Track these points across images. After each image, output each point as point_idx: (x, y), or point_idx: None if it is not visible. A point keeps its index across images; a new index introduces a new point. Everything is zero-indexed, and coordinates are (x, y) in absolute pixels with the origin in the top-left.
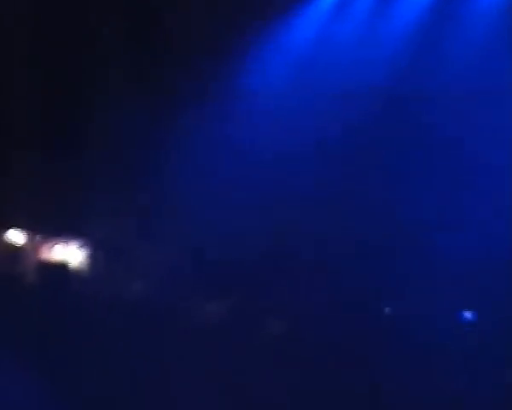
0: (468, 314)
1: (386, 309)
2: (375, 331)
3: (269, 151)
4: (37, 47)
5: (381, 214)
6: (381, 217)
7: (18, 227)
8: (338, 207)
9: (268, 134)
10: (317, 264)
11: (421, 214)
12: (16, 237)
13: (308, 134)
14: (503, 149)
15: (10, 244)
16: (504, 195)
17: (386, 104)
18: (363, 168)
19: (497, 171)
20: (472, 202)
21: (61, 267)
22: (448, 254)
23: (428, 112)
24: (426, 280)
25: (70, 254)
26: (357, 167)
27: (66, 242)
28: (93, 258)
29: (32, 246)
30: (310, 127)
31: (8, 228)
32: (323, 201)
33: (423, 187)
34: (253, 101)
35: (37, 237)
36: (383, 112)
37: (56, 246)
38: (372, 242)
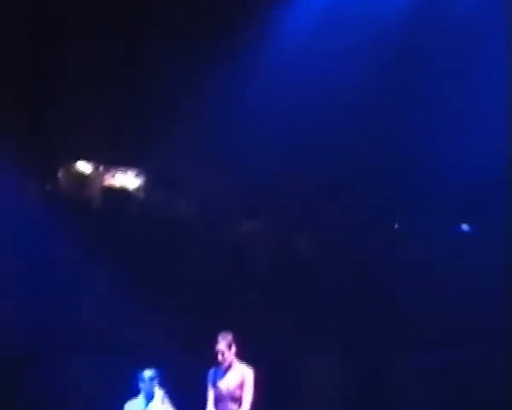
0: (465, 227)
1: (396, 225)
2: (387, 246)
3: (299, 85)
4: None
5: (390, 143)
6: (390, 146)
7: (85, 159)
8: (356, 137)
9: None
10: (335, 188)
11: (423, 139)
12: (84, 167)
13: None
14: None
15: (79, 173)
16: (500, 119)
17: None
18: (376, 100)
19: (492, 96)
20: (468, 126)
21: (122, 192)
22: (447, 174)
23: (431, 51)
24: (428, 198)
25: (129, 181)
26: (371, 100)
27: (125, 171)
28: (148, 184)
29: (97, 174)
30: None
31: (78, 160)
32: (344, 132)
33: (424, 116)
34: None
35: (101, 167)
36: (393, 56)
37: (117, 174)
38: (382, 166)
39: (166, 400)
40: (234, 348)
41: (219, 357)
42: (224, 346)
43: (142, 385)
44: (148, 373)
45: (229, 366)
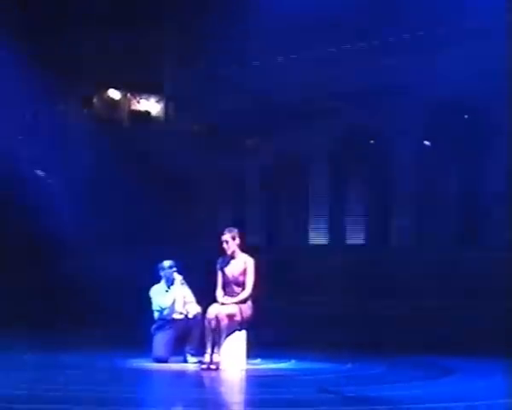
0: (427, 143)
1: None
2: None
3: None
4: None
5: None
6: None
7: (115, 87)
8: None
9: None
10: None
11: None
12: (114, 94)
13: None
14: None
15: (110, 99)
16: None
17: None
18: None
19: None
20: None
21: (145, 115)
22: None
23: None
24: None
25: (151, 105)
26: None
27: (148, 97)
28: (166, 107)
29: (125, 100)
30: None
31: (108, 88)
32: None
33: None
34: None
35: (128, 94)
36: None
37: (141, 100)
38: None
39: (184, 283)
40: (237, 240)
41: (224, 245)
42: (229, 237)
43: (162, 273)
44: (167, 263)
45: (234, 256)
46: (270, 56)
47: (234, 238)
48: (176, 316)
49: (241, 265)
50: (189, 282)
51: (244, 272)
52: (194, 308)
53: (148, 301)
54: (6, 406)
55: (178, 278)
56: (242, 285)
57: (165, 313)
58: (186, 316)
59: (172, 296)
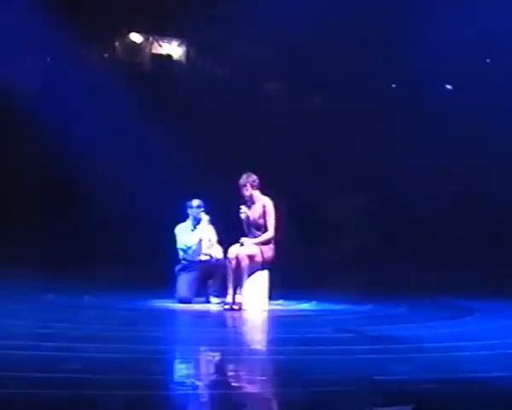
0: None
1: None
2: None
3: None
4: None
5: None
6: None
7: (136, 31)
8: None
9: None
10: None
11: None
12: (135, 37)
13: None
14: None
15: (132, 42)
16: None
17: None
18: None
19: None
20: None
21: (167, 58)
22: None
23: None
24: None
25: (173, 49)
26: None
27: (170, 40)
28: (188, 52)
29: (147, 44)
30: None
31: (131, 32)
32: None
33: None
34: None
35: (150, 38)
36: None
37: (163, 43)
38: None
39: (210, 224)
40: (252, 186)
41: (240, 191)
42: (242, 182)
43: (189, 211)
44: (195, 202)
45: (253, 200)
46: None
47: (245, 185)
48: (201, 257)
49: (260, 208)
50: (215, 222)
51: (263, 215)
52: (218, 251)
53: (173, 239)
54: (33, 344)
55: (205, 218)
56: (263, 228)
57: (190, 252)
58: (210, 257)
59: (198, 236)
